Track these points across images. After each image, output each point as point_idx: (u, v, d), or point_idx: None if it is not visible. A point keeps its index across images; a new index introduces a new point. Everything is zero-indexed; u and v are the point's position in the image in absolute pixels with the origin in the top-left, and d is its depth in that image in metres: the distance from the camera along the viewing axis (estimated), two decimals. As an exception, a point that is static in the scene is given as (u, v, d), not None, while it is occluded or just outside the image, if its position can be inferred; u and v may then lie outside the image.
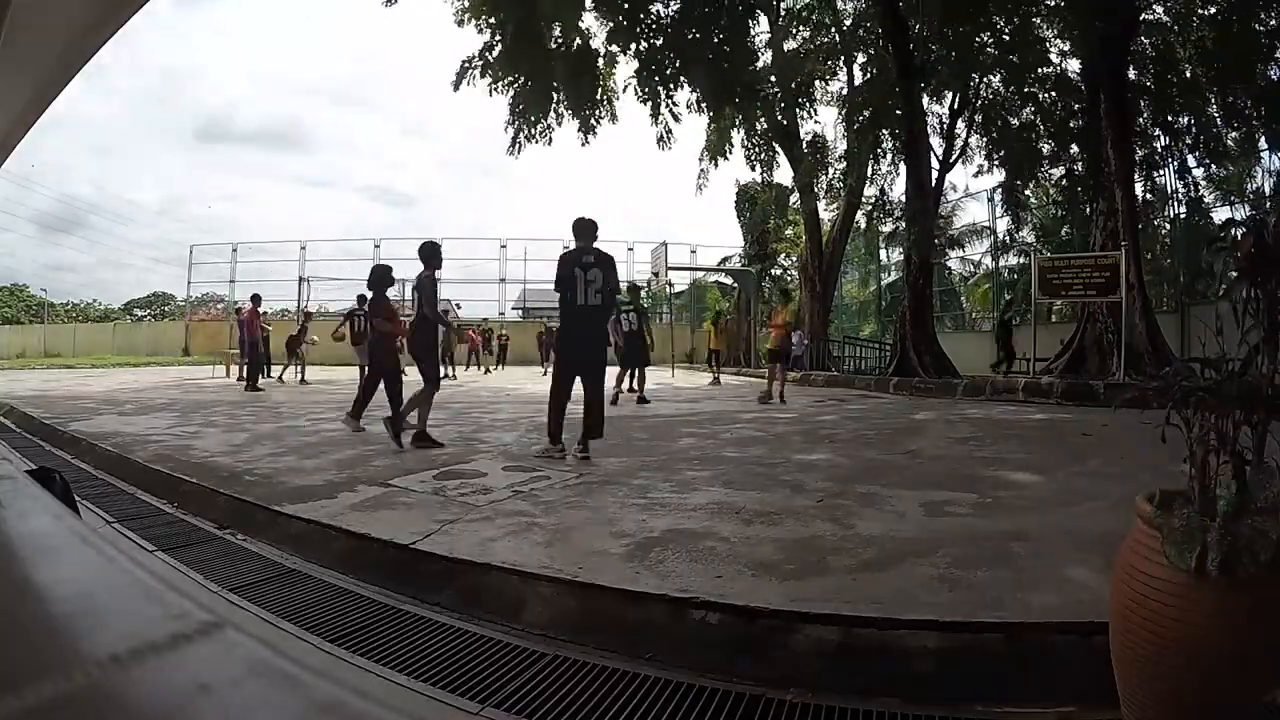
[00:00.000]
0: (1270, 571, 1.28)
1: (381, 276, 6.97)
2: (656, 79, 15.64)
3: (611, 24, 15.05)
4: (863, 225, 21.52)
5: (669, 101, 16.09)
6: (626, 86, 16.32)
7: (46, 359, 29.29)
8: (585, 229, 5.38)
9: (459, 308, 31.27)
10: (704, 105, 16.61)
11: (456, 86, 15.64)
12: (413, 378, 6.19)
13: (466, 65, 15.48)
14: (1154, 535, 1.40)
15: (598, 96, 16.21)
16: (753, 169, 19.39)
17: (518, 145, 16.14)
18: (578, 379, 5.38)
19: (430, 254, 6.06)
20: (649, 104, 15.99)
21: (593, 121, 16.21)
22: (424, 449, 5.53)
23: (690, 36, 14.92)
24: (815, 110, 18.29)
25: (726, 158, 18.97)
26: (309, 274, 29.09)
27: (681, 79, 15.71)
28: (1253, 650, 1.30)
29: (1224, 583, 1.29)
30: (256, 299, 13.69)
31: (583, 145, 16.56)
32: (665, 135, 16.44)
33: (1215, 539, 1.31)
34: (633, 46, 15.39)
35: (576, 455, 4.98)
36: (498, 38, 15.04)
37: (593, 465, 4.84)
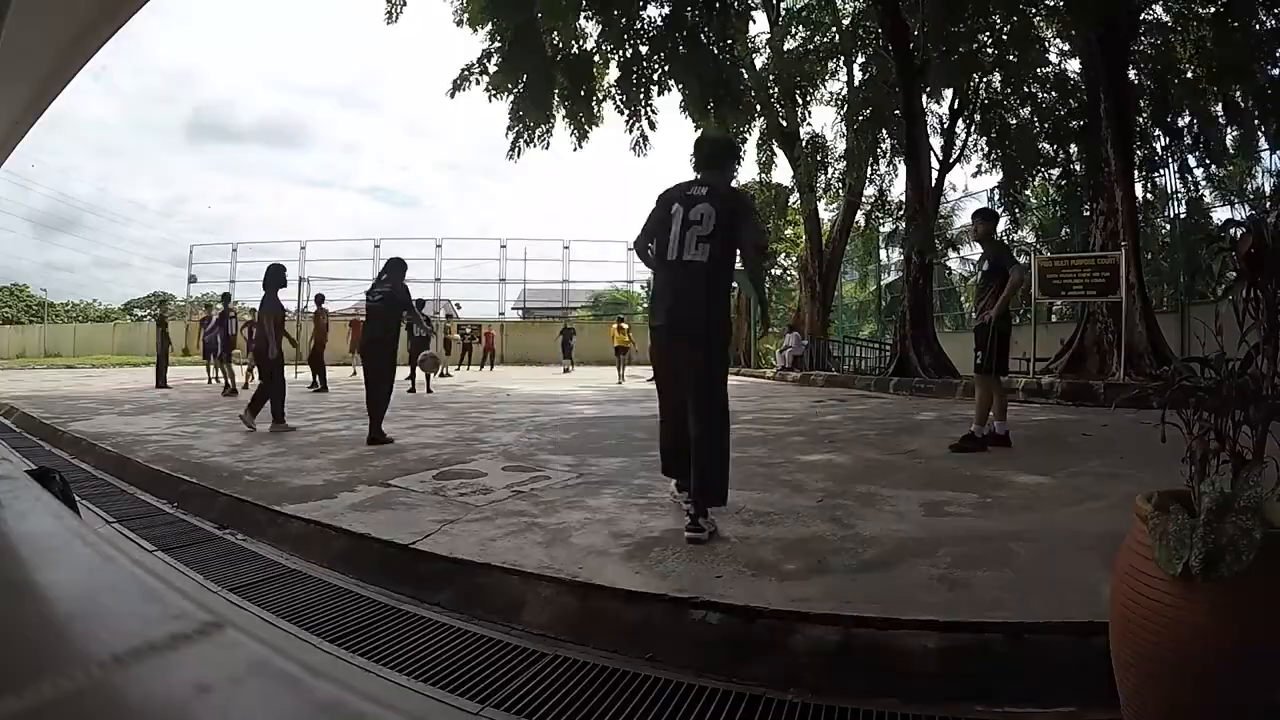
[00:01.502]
0: (1268, 571, 1.28)
1: None
2: (638, 87, 15.59)
3: (604, 27, 15.01)
4: (862, 225, 21.52)
5: (648, 109, 16.01)
6: (608, 95, 16.28)
7: (46, 359, 29.32)
8: (718, 151, 3.52)
9: (459, 308, 31.33)
10: (688, 111, 16.53)
11: (453, 94, 15.63)
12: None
13: (466, 72, 15.46)
14: (1152, 536, 1.40)
15: (593, 101, 16.17)
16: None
17: (517, 150, 16.13)
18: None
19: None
20: (627, 111, 15.93)
21: (586, 127, 16.18)
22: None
23: (677, 38, 14.87)
24: (810, 112, 18.28)
25: None
26: (309, 274, 29.16)
27: (667, 84, 15.65)
28: (1252, 651, 1.29)
29: (1223, 583, 1.29)
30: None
31: (575, 150, 16.55)
32: (641, 142, 16.39)
33: (1199, 538, 1.31)
34: (619, 53, 15.34)
35: (685, 531, 3.00)
36: (497, 43, 15.02)
37: (592, 466, 4.82)
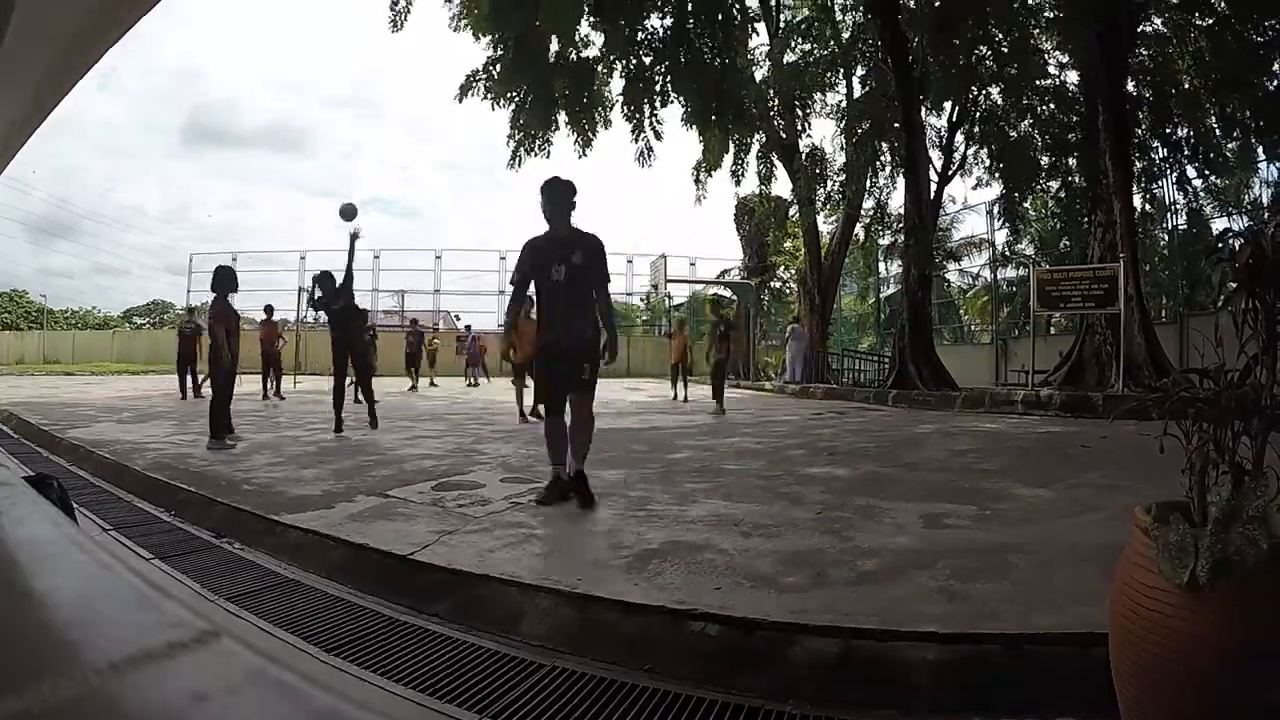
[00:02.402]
0: (1271, 581, 1.27)
1: None
2: (644, 97, 15.68)
3: (608, 33, 15.10)
4: (861, 238, 21.56)
5: (653, 120, 16.09)
6: (615, 104, 16.35)
7: (45, 365, 29.30)
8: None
9: (458, 319, 31.32)
10: (691, 123, 16.59)
11: (460, 99, 15.70)
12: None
13: (470, 80, 15.55)
14: (1152, 547, 1.40)
15: (595, 109, 16.24)
16: (737, 183, 19.40)
17: (518, 159, 16.19)
18: None
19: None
20: (633, 121, 16.00)
21: (590, 134, 16.24)
22: None
23: (681, 52, 14.97)
24: (810, 125, 18.36)
25: (712, 175, 18.83)
26: (309, 284, 29.16)
27: (670, 96, 15.74)
28: (1254, 660, 1.29)
29: (1224, 592, 1.29)
30: (270, 309, 14.01)
31: (580, 158, 16.60)
32: (645, 152, 16.43)
33: (1206, 547, 1.31)
34: (622, 63, 15.44)
35: None
36: (500, 51, 15.11)
37: (591, 477, 4.80)
